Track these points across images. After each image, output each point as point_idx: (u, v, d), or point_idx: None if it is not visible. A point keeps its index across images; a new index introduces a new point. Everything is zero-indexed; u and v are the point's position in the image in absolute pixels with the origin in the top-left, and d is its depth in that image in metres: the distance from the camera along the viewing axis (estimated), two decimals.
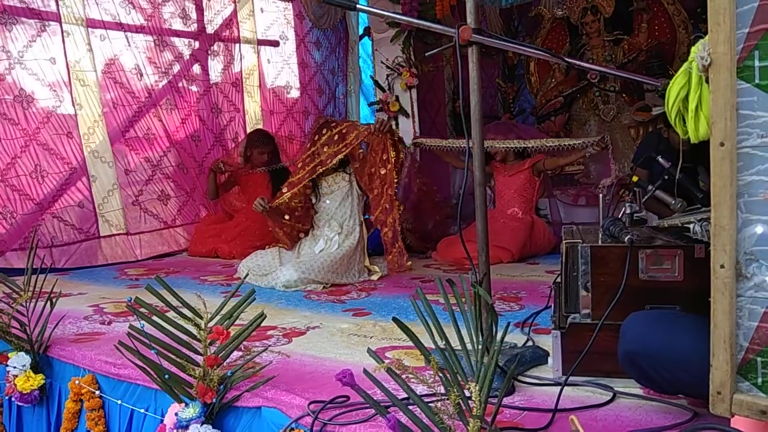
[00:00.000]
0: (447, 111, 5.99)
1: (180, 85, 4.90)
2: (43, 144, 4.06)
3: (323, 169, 3.64)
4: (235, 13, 5.27)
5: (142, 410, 2.10)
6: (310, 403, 1.72)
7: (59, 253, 4.14)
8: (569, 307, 1.89)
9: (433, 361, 1.35)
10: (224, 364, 1.88)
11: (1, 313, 2.45)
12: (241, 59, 5.33)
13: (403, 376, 1.40)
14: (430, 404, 1.37)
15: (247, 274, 3.45)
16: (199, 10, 5.02)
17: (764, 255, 1.09)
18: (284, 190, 3.68)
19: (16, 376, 2.39)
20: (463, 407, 1.34)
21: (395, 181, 3.59)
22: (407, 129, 5.22)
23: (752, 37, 1.07)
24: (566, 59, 2.08)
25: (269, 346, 2.31)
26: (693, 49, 1.16)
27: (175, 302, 1.89)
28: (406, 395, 1.39)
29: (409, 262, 3.70)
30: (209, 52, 5.11)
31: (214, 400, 1.81)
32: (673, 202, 2.34)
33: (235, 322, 1.93)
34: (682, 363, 1.40)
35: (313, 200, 3.86)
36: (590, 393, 1.75)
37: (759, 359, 1.11)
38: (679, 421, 1.54)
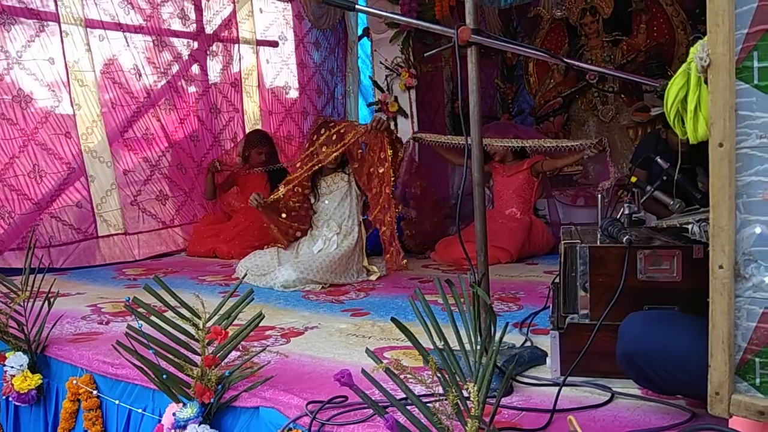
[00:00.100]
0: (446, 111, 5.99)
1: (179, 85, 4.89)
2: (41, 144, 4.05)
3: (320, 165, 3.64)
4: (234, 13, 5.27)
5: (140, 410, 2.09)
6: (308, 403, 1.72)
7: (57, 253, 4.13)
8: (568, 307, 1.89)
9: (432, 361, 1.35)
10: (222, 364, 1.87)
11: None
12: (240, 59, 5.33)
13: (402, 377, 1.39)
14: (428, 404, 1.37)
15: (246, 274, 3.45)
16: (198, 10, 5.01)
17: (763, 255, 1.09)
18: (280, 187, 3.68)
19: (14, 375, 2.38)
20: (462, 407, 1.34)
21: (393, 179, 3.59)
22: (406, 129, 5.22)
23: (751, 38, 1.07)
24: (565, 60, 2.08)
25: (267, 346, 2.31)
26: (692, 49, 1.16)
27: (173, 302, 1.88)
28: (404, 395, 1.39)
29: (405, 260, 3.70)
30: (208, 53, 5.10)
31: (212, 400, 1.81)
32: (672, 202, 2.35)
33: (234, 322, 1.93)
34: (680, 363, 1.40)
35: (312, 200, 3.86)
36: (588, 393, 1.75)
37: (757, 360, 1.11)
38: (678, 422, 1.54)
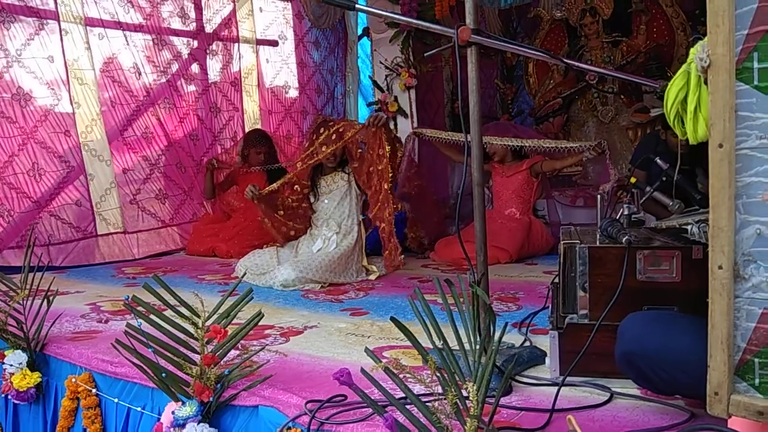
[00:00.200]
0: (446, 111, 5.99)
1: (178, 84, 4.89)
2: (40, 142, 4.05)
3: (318, 163, 3.65)
4: (234, 12, 5.27)
5: (139, 409, 2.09)
6: (308, 402, 1.72)
7: (56, 252, 4.13)
8: (567, 307, 1.89)
9: (431, 360, 1.35)
10: (221, 362, 1.88)
11: None
12: (239, 59, 5.33)
13: (401, 376, 1.39)
14: (427, 404, 1.37)
15: (245, 273, 3.45)
16: (198, 9, 5.01)
17: (762, 256, 1.09)
18: (276, 183, 3.70)
19: (13, 374, 2.38)
20: (461, 407, 1.34)
21: (391, 174, 3.58)
22: (406, 129, 5.21)
23: (751, 39, 1.07)
24: (565, 60, 2.08)
25: (266, 345, 2.31)
26: (692, 50, 1.16)
27: (172, 301, 1.88)
28: (403, 395, 1.39)
29: (402, 256, 3.69)
30: (208, 52, 5.10)
31: (211, 399, 1.81)
32: (671, 203, 2.35)
33: (233, 321, 1.93)
34: (679, 364, 1.40)
35: (312, 199, 3.86)
36: (587, 393, 1.75)
37: (756, 360, 1.11)
38: (677, 422, 1.54)
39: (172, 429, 1.80)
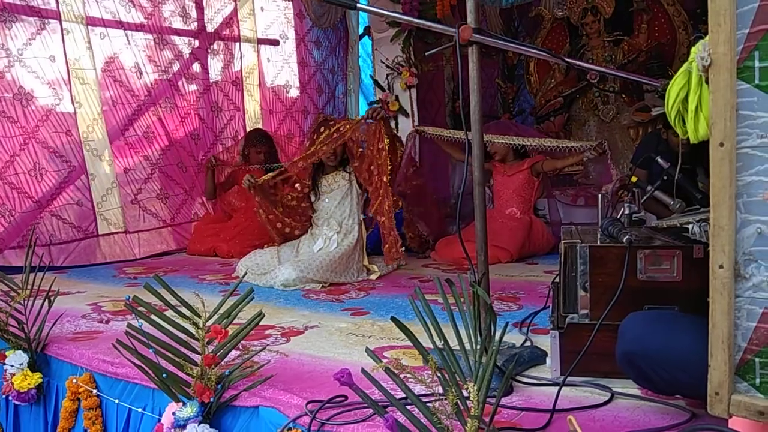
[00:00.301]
0: (447, 111, 5.99)
1: (180, 83, 4.90)
2: (42, 142, 4.05)
3: (317, 158, 3.68)
4: (235, 11, 5.27)
5: (140, 409, 2.09)
6: (308, 403, 1.72)
7: (57, 252, 4.13)
8: (568, 307, 1.89)
9: (432, 360, 1.35)
10: (222, 363, 1.87)
11: None
12: (241, 58, 5.33)
13: (402, 376, 1.39)
14: (428, 404, 1.37)
15: (246, 273, 3.45)
16: (199, 8, 5.01)
17: (763, 255, 1.09)
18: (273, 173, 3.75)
19: (14, 374, 2.38)
20: (461, 407, 1.34)
21: (390, 167, 3.57)
22: (407, 129, 5.21)
23: (752, 38, 1.07)
24: (566, 59, 2.08)
25: (267, 345, 2.31)
26: (693, 49, 1.16)
27: (173, 301, 1.88)
28: (404, 395, 1.39)
29: (403, 249, 3.68)
30: (209, 51, 5.10)
31: (211, 400, 1.81)
32: (672, 202, 2.34)
33: (234, 321, 1.93)
34: (680, 363, 1.40)
35: (313, 199, 3.87)
36: (588, 393, 1.75)
37: (757, 360, 1.11)
38: (677, 422, 1.54)
39: (172, 430, 1.80)
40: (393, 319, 1.45)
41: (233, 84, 5.30)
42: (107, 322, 2.74)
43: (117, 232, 4.48)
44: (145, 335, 1.78)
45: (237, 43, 5.30)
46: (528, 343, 2.20)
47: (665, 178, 2.52)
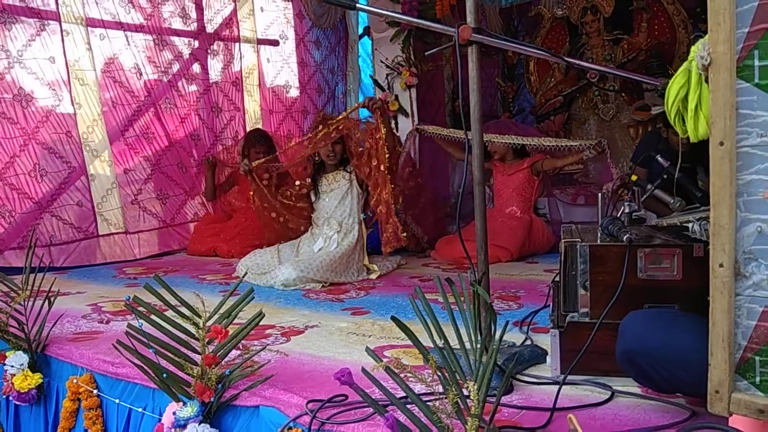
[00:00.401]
0: (447, 110, 5.99)
1: (179, 84, 4.90)
2: (42, 143, 4.05)
3: (310, 151, 3.71)
4: (234, 12, 5.27)
5: (140, 409, 2.09)
6: (309, 402, 1.72)
7: (58, 252, 4.13)
8: (568, 305, 1.89)
9: (432, 360, 1.35)
10: (222, 363, 1.87)
11: None
12: (240, 58, 5.33)
13: (402, 375, 1.39)
14: (428, 403, 1.37)
15: (246, 273, 3.45)
16: (199, 9, 5.01)
17: (763, 254, 1.09)
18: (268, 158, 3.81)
19: (14, 375, 2.38)
20: (462, 406, 1.34)
21: (387, 155, 3.56)
22: (407, 129, 5.21)
23: (752, 37, 1.07)
24: (566, 59, 2.08)
25: (267, 344, 2.31)
26: (693, 48, 1.16)
27: (173, 301, 1.88)
28: (404, 394, 1.39)
29: (405, 234, 3.62)
30: (209, 51, 5.10)
31: (212, 399, 1.81)
32: (672, 201, 2.35)
33: (234, 321, 1.93)
34: (680, 362, 1.40)
35: (313, 198, 3.87)
36: (588, 392, 1.75)
37: (757, 358, 1.11)
38: (677, 420, 1.54)
39: (173, 429, 1.80)
40: (393, 318, 1.45)
41: (233, 84, 5.30)
42: (107, 322, 2.75)
43: (117, 233, 4.48)
44: (146, 335, 1.78)
45: (237, 44, 5.30)
46: (528, 342, 2.20)
47: (665, 176, 2.53)
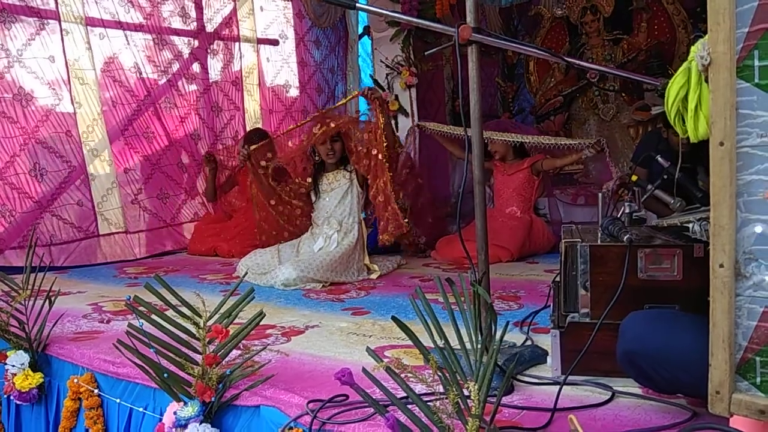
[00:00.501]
0: (446, 110, 5.98)
1: (179, 83, 4.90)
2: (42, 142, 4.05)
3: (311, 144, 3.73)
4: (234, 11, 5.27)
5: (141, 409, 2.09)
6: (309, 402, 1.72)
7: (58, 252, 4.13)
8: (568, 306, 1.89)
9: (432, 360, 1.35)
10: (223, 362, 1.88)
11: None
12: (240, 58, 5.33)
13: (402, 375, 1.39)
14: (429, 403, 1.37)
15: (246, 273, 3.45)
16: (199, 8, 5.01)
17: (763, 254, 1.09)
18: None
19: (15, 374, 2.38)
20: (462, 406, 1.34)
21: (385, 144, 3.55)
22: (407, 128, 5.22)
23: (752, 37, 1.07)
24: (566, 58, 2.08)
25: (268, 344, 2.31)
26: (693, 48, 1.16)
27: (174, 301, 1.89)
28: (405, 394, 1.39)
29: (407, 221, 3.61)
30: (209, 51, 5.10)
31: (212, 399, 1.81)
32: (673, 201, 2.35)
33: (234, 321, 1.93)
34: (681, 362, 1.40)
35: (313, 197, 3.87)
36: (589, 392, 1.75)
37: (758, 359, 1.11)
38: (678, 421, 1.54)
39: (174, 429, 1.80)
40: (394, 318, 1.45)
41: (233, 84, 5.30)
42: (108, 322, 2.75)
43: (117, 232, 4.48)
44: (146, 335, 1.78)
45: (236, 43, 5.30)
46: (529, 342, 2.20)
47: (665, 176, 2.53)
